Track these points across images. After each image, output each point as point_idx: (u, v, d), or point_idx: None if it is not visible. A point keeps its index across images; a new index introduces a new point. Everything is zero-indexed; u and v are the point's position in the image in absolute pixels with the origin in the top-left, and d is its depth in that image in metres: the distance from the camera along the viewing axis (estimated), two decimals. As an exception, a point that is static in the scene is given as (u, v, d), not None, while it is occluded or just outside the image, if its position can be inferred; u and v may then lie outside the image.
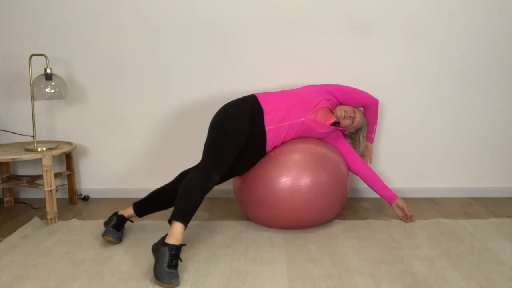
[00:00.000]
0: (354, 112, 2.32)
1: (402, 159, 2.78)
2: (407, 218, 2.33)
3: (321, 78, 2.64)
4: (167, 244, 1.73)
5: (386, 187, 2.34)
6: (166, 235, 1.78)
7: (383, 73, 2.68)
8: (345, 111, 2.30)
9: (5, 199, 2.70)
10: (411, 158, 2.78)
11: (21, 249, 2.03)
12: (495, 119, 2.73)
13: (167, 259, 1.70)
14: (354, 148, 2.41)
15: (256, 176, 2.17)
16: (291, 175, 2.09)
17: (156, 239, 2.09)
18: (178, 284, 1.69)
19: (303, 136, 2.26)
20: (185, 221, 1.81)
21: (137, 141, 2.79)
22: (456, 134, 2.75)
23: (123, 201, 2.71)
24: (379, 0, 2.59)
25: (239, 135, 2.07)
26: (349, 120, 2.31)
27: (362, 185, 2.78)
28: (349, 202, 2.71)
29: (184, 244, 1.80)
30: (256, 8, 2.60)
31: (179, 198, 1.86)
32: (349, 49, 2.65)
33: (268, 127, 2.14)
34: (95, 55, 2.69)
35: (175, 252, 1.73)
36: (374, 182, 2.35)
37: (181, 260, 1.77)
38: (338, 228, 2.26)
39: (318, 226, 2.26)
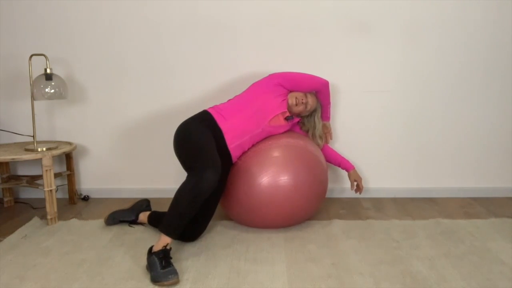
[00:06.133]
0: (306, 97, 2.32)
1: (402, 159, 2.78)
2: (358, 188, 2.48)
3: (321, 78, 2.64)
4: (153, 253, 1.78)
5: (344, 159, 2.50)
6: (152, 246, 1.83)
7: (383, 73, 2.68)
8: (296, 98, 2.29)
9: (5, 199, 2.70)
10: (411, 158, 2.78)
11: (21, 249, 2.03)
12: (495, 119, 2.73)
13: (158, 263, 1.73)
14: (312, 130, 2.43)
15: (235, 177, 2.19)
16: (270, 173, 2.11)
17: (156, 239, 2.08)
18: (177, 279, 1.70)
19: (267, 137, 2.29)
20: (169, 233, 1.83)
21: (137, 141, 2.79)
22: (455, 134, 2.75)
23: (123, 201, 2.71)
24: (379, 0, 2.59)
25: (206, 133, 2.06)
26: (302, 106, 2.31)
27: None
28: (349, 202, 2.71)
29: (170, 248, 1.81)
30: (256, 8, 2.60)
31: (169, 208, 1.87)
32: (349, 49, 2.65)
33: (230, 146, 2.14)
34: (95, 55, 2.69)
35: (163, 255, 1.76)
36: (333, 157, 2.50)
37: (171, 258, 1.79)
38: (338, 228, 2.26)
39: (299, 223, 2.28)
